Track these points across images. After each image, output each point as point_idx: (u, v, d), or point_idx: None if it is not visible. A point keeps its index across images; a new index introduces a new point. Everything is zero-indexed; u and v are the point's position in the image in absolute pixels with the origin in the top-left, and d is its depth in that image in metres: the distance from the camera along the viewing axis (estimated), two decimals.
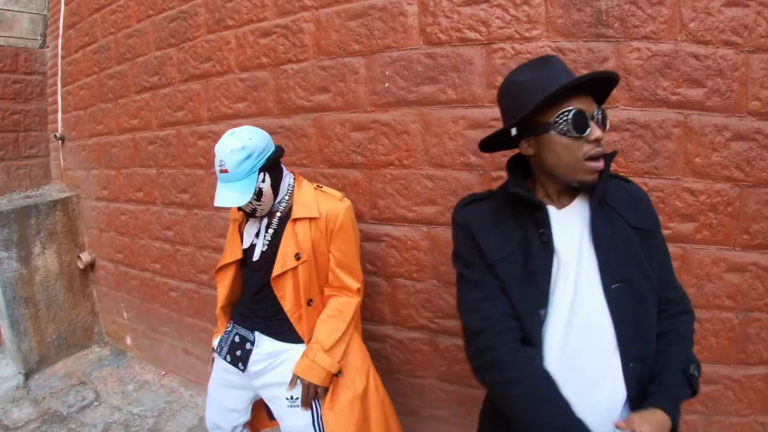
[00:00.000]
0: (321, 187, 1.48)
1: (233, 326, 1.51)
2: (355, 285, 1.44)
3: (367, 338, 1.89)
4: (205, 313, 2.48)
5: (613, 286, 0.91)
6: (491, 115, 1.58)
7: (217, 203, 1.27)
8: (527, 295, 0.92)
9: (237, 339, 1.47)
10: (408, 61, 1.67)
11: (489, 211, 1.02)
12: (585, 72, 1.45)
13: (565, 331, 0.91)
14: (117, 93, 2.71)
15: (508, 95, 0.98)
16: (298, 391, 1.38)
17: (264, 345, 1.44)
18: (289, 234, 1.37)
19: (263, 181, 1.33)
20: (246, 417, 1.56)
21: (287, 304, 1.38)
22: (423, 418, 1.89)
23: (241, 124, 2.07)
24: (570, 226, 0.95)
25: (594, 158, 0.89)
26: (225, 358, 1.48)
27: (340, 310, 1.40)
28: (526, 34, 1.52)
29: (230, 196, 1.26)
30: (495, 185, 1.61)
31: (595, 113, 0.90)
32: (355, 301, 1.44)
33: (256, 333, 1.45)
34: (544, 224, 0.94)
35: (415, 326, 1.82)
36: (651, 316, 0.95)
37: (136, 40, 2.51)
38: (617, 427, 0.84)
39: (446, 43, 1.61)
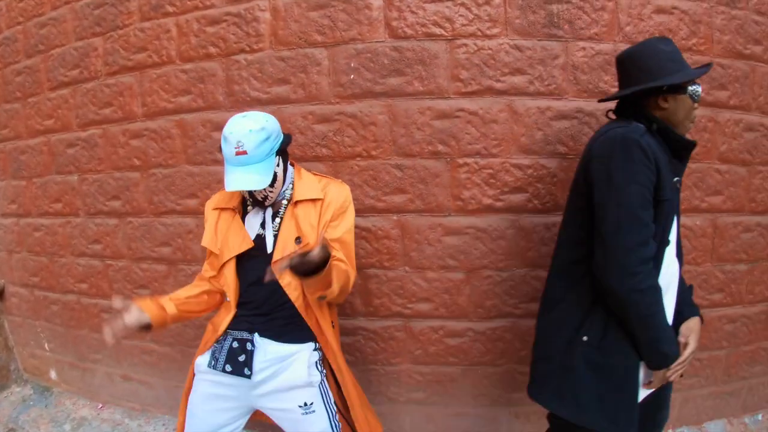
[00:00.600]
0: (320, 175, 1.45)
1: (226, 333, 1.37)
2: (352, 274, 1.37)
3: (340, 333, 1.88)
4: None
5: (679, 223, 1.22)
6: (456, 106, 1.68)
7: (234, 187, 1.17)
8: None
9: (235, 344, 1.34)
10: (374, 54, 1.70)
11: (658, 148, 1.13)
12: (540, 68, 1.67)
13: (668, 263, 1.17)
14: (26, 91, 2.36)
15: (655, 58, 1.19)
16: (311, 397, 1.31)
17: (267, 349, 1.33)
18: (288, 217, 1.32)
19: (278, 165, 1.28)
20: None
21: (293, 292, 1.29)
22: (401, 403, 1.92)
23: (185, 119, 1.98)
24: None
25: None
26: (224, 370, 1.33)
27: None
28: (487, 32, 1.65)
29: (250, 178, 1.17)
30: (462, 171, 1.71)
31: None
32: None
33: (256, 335, 1.34)
34: (681, 173, 1.20)
35: (388, 314, 1.85)
36: None
37: (51, 30, 2.21)
38: None
39: (412, 37, 1.67)
